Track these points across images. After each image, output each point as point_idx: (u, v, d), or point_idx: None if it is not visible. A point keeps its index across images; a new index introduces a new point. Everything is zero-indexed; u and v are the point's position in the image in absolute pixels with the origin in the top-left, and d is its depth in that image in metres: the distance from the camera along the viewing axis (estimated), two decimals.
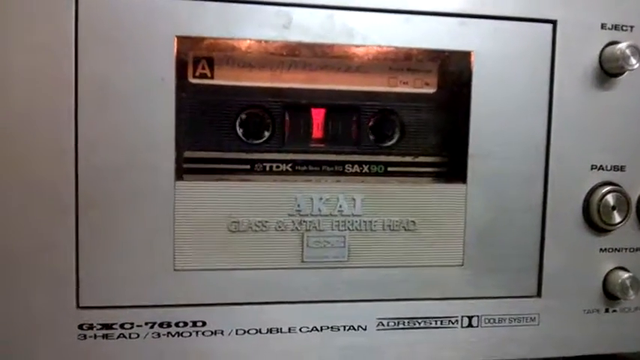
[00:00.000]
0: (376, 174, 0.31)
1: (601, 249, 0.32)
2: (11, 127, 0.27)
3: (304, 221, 0.30)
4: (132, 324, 0.28)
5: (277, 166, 0.31)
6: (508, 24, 0.31)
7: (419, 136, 0.32)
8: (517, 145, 0.31)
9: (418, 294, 0.31)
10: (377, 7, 0.30)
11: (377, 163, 0.32)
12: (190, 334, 0.29)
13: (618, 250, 0.33)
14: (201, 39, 0.29)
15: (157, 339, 0.29)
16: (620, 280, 0.32)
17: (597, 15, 0.31)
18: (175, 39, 0.28)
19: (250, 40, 0.29)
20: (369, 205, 0.30)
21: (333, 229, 0.30)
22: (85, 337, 0.28)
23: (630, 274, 0.32)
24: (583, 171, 0.32)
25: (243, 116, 0.30)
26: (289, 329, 0.30)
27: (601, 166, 0.32)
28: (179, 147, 0.29)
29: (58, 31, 0.27)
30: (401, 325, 0.31)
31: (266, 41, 0.29)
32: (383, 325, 0.31)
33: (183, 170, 0.29)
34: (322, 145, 0.31)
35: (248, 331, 0.29)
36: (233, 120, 0.30)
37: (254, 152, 0.30)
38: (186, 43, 0.29)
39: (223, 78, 0.30)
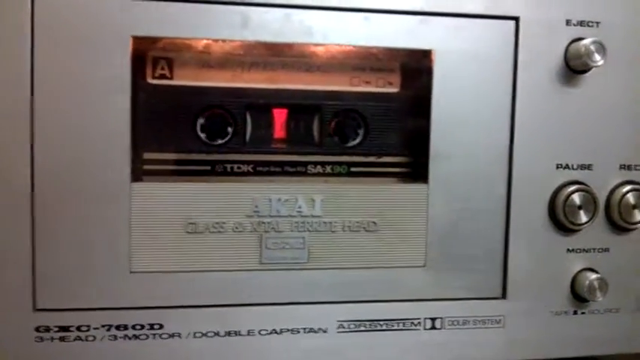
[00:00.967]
0: (339, 174, 0.31)
1: (568, 249, 0.32)
2: None
3: (262, 222, 0.29)
4: (88, 326, 0.28)
5: (238, 167, 0.30)
6: (469, 22, 0.30)
7: (383, 136, 0.32)
8: (479, 145, 0.31)
9: (379, 296, 0.30)
10: (335, 5, 0.29)
11: (340, 164, 0.31)
12: (147, 337, 0.29)
13: (587, 251, 0.32)
14: (158, 39, 0.29)
15: (114, 341, 0.28)
16: (587, 282, 0.31)
17: (562, 11, 0.31)
18: (131, 39, 0.28)
19: (207, 39, 0.29)
20: (329, 206, 0.30)
21: (292, 231, 0.30)
22: (41, 339, 0.28)
23: (598, 275, 0.31)
24: (548, 170, 0.31)
25: (204, 117, 0.30)
26: (248, 332, 0.29)
27: (567, 165, 0.31)
28: (136, 148, 0.29)
29: (14, 29, 0.27)
30: (362, 328, 0.30)
31: (224, 41, 0.29)
32: (344, 327, 0.30)
33: (143, 172, 0.29)
34: (284, 146, 0.31)
35: (206, 334, 0.29)
36: (194, 121, 0.30)
37: (215, 153, 0.30)
38: (143, 43, 0.29)
39: (183, 78, 0.30)
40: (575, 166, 0.31)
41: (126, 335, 0.29)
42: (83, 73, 0.28)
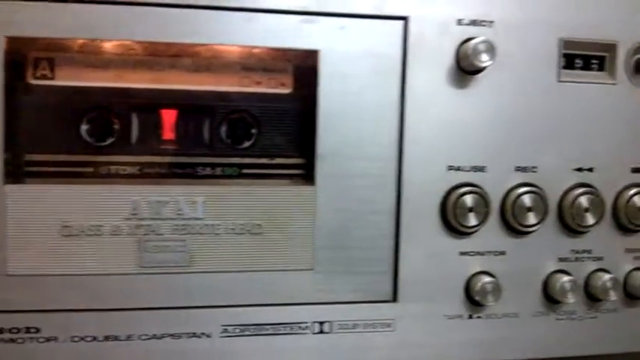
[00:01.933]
0: (230, 177, 0.31)
1: (461, 252, 0.31)
2: None
3: (141, 225, 0.29)
4: None
5: (124, 169, 0.30)
6: (356, 21, 0.30)
7: (276, 137, 0.31)
8: (367, 146, 0.30)
9: (265, 299, 0.30)
10: (218, 5, 0.29)
11: (231, 165, 0.31)
12: (24, 341, 0.28)
13: (481, 254, 0.31)
14: (34, 39, 0.28)
15: None
16: (479, 285, 0.31)
17: (453, 10, 0.30)
18: (4, 39, 0.28)
19: (84, 39, 0.29)
20: (212, 208, 0.29)
21: (172, 234, 0.29)
22: None
23: (492, 279, 0.31)
24: (439, 172, 0.31)
25: (87, 118, 0.30)
26: (128, 337, 0.29)
27: (459, 166, 0.31)
28: (14, 149, 0.28)
29: None
30: (247, 332, 0.30)
31: (101, 40, 0.29)
32: (228, 331, 0.30)
33: (25, 173, 0.29)
34: (173, 147, 0.30)
35: (84, 338, 0.29)
36: (77, 121, 0.29)
37: (99, 155, 0.30)
38: (19, 43, 0.28)
39: (65, 79, 0.29)
40: (467, 168, 0.31)
41: (2, 338, 0.28)
42: None
